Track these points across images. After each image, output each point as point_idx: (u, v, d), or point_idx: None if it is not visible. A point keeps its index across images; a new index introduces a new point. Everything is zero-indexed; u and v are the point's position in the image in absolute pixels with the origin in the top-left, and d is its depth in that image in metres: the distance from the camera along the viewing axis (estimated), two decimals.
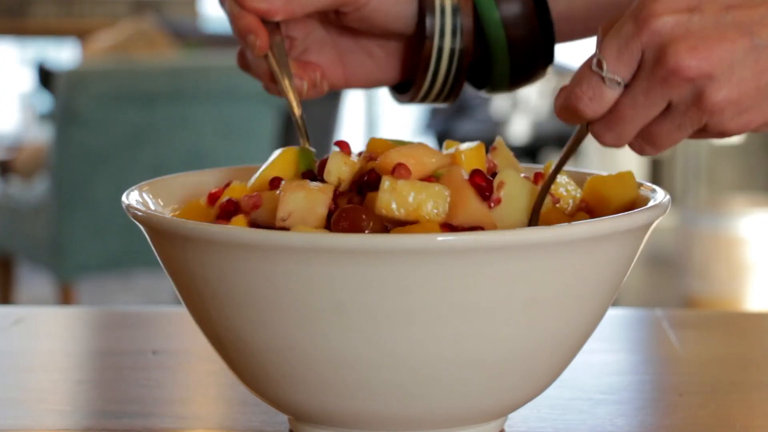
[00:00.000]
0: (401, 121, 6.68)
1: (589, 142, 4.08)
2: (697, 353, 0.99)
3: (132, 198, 0.77)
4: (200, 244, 0.68)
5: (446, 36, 0.88)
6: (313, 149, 0.83)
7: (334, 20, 0.89)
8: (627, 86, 0.69)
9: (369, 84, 0.93)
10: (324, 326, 0.67)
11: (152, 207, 0.78)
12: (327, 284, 0.66)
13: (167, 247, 0.72)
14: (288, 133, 3.88)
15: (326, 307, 0.67)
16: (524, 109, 5.00)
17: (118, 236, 3.24)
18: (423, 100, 0.91)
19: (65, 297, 3.36)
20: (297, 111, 0.86)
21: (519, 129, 5.00)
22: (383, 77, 0.93)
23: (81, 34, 5.47)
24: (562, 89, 0.72)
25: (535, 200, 0.75)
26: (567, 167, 0.78)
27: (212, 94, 3.28)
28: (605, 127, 0.71)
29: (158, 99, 3.22)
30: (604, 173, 0.83)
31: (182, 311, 0.78)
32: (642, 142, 0.71)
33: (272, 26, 0.86)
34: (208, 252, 0.68)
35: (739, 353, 0.99)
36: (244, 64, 0.89)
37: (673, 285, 4.06)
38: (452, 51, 0.88)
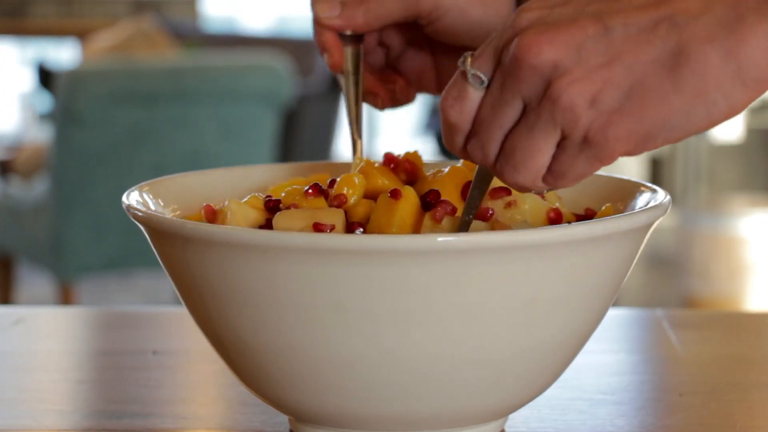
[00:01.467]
0: (401, 121, 6.68)
1: None
2: (697, 353, 0.99)
3: (132, 198, 0.77)
4: (200, 244, 0.69)
5: None
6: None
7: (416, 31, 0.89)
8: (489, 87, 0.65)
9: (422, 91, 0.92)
10: (324, 326, 0.67)
11: (152, 207, 0.78)
12: (327, 284, 0.66)
13: (167, 247, 0.72)
14: (288, 133, 3.88)
15: (326, 307, 0.67)
16: None
17: (118, 236, 3.24)
18: None
19: (65, 297, 3.36)
20: (355, 143, 0.86)
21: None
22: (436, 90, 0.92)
23: (81, 34, 5.47)
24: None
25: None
26: None
27: (212, 94, 3.28)
28: (471, 136, 0.66)
29: (158, 99, 3.22)
30: (603, 173, 0.83)
31: (182, 311, 0.78)
32: (502, 161, 0.66)
33: (354, 38, 0.87)
34: (208, 252, 0.68)
35: (739, 353, 0.99)
36: (332, 64, 0.89)
37: (673, 285, 4.06)
38: None
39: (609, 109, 0.63)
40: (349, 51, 0.87)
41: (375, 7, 0.85)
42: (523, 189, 0.67)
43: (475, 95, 0.65)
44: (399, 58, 0.90)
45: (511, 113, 0.65)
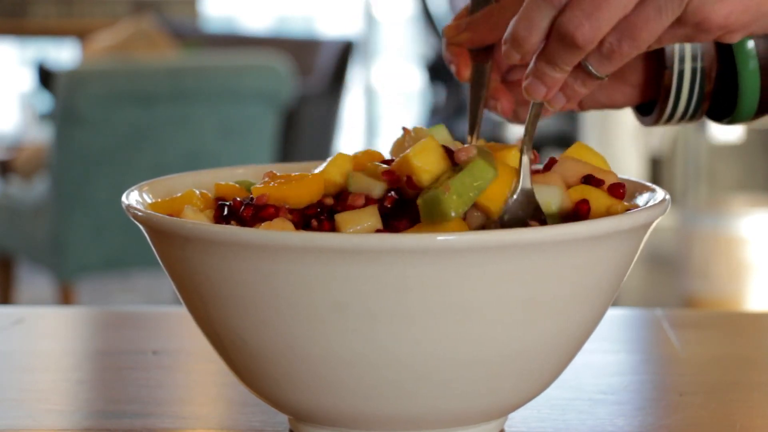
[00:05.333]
0: (401, 121, 6.68)
1: (589, 142, 4.07)
2: (697, 353, 0.99)
3: (132, 198, 0.77)
4: (200, 244, 0.69)
5: (686, 60, 0.86)
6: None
7: None
8: None
9: (604, 105, 0.92)
10: (324, 326, 0.67)
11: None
12: (327, 284, 0.66)
13: (167, 247, 0.72)
14: (288, 133, 3.88)
15: (326, 307, 0.67)
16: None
17: (118, 236, 3.24)
18: (667, 122, 0.90)
19: (65, 297, 3.36)
20: (470, 137, 0.86)
21: (519, 129, 5.01)
22: (627, 99, 0.91)
23: (81, 34, 5.47)
24: None
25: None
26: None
27: (212, 94, 3.28)
28: (583, 15, 0.67)
29: (158, 99, 3.22)
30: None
31: (182, 311, 0.78)
32: (618, 38, 0.68)
33: (481, 52, 0.87)
34: (208, 252, 0.68)
35: (739, 353, 0.99)
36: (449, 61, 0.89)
37: (673, 285, 4.06)
38: (693, 72, 0.87)
39: None
40: (474, 66, 0.88)
41: (502, 21, 0.84)
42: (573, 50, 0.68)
43: None
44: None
45: None
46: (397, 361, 0.68)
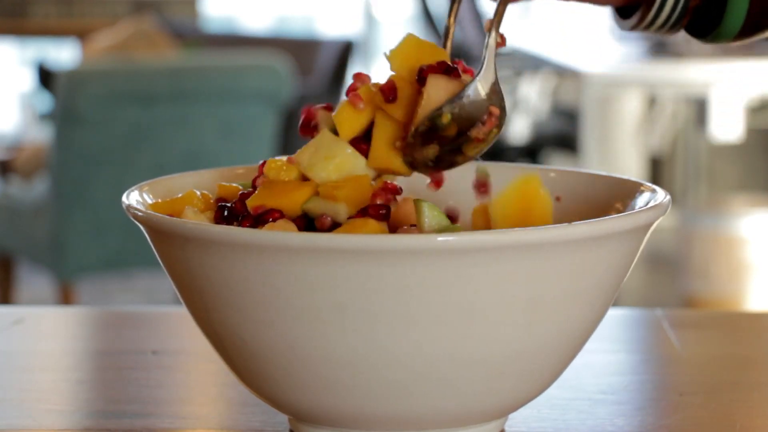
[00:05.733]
0: None
1: (589, 141, 4.07)
2: (697, 353, 0.99)
3: (132, 198, 0.77)
4: (200, 244, 0.69)
5: None
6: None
7: None
8: None
9: (596, 1, 0.89)
10: (324, 326, 0.67)
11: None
12: (327, 284, 0.66)
13: (167, 247, 0.72)
14: (288, 133, 3.88)
15: (326, 307, 0.67)
16: (524, 109, 5.00)
17: (118, 236, 3.24)
18: (646, 28, 0.88)
19: (65, 297, 3.36)
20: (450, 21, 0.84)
21: (519, 129, 5.01)
22: None
23: (81, 34, 5.47)
24: None
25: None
26: (566, 167, 0.77)
27: (212, 94, 3.28)
28: None
29: (158, 99, 3.22)
30: (603, 173, 0.83)
31: (182, 311, 0.78)
32: None
33: None
34: (208, 252, 0.68)
35: (739, 353, 0.99)
36: None
37: (673, 285, 4.06)
38: None
39: None
40: None
41: None
42: None
43: None
44: None
45: None
46: (397, 361, 0.68)
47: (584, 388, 0.87)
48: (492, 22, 0.72)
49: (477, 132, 0.72)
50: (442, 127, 0.72)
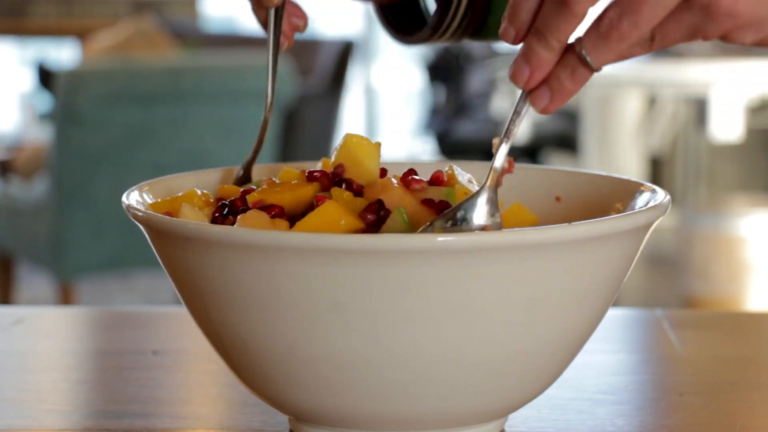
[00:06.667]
0: (401, 121, 6.68)
1: (589, 141, 4.07)
2: (697, 353, 0.99)
3: (132, 198, 0.77)
4: (200, 244, 0.69)
5: None
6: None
7: None
8: None
9: None
10: (324, 326, 0.67)
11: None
12: (327, 284, 0.66)
13: (167, 247, 0.72)
14: (288, 133, 3.88)
15: (326, 307, 0.67)
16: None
17: (118, 236, 3.24)
18: (440, 37, 0.88)
19: (65, 297, 3.36)
20: (270, 76, 0.85)
21: (519, 129, 5.01)
22: None
23: (81, 34, 5.47)
24: None
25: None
26: (566, 167, 0.77)
27: (212, 94, 3.28)
28: (628, 10, 0.65)
29: (158, 99, 3.22)
30: (603, 173, 0.83)
31: (182, 311, 0.78)
32: (618, 12, 0.65)
33: None
34: (208, 252, 0.68)
35: (739, 353, 0.99)
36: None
37: (673, 285, 4.06)
38: None
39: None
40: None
41: None
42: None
43: None
44: None
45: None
46: (398, 361, 0.68)
47: (584, 388, 0.87)
48: (499, 142, 0.71)
49: None
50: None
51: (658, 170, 4.94)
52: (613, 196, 0.81)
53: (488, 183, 0.70)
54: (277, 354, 0.70)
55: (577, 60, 0.67)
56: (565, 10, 0.65)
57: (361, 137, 0.77)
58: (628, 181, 0.81)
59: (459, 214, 0.70)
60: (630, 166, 4.06)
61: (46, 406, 0.86)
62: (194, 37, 4.69)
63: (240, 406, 0.84)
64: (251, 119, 3.36)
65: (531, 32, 0.67)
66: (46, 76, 4.00)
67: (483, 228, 0.69)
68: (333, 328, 0.67)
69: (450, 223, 0.70)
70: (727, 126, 3.67)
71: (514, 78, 0.68)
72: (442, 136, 5.35)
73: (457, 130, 5.29)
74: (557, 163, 4.98)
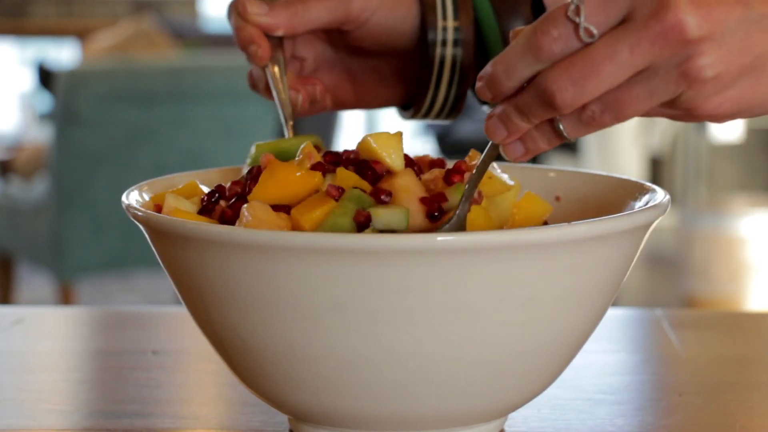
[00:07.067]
0: (401, 121, 6.66)
1: (589, 141, 4.06)
2: (697, 353, 0.99)
3: (132, 198, 0.77)
4: (200, 244, 0.69)
5: (448, 47, 0.87)
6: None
7: (339, 39, 0.90)
8: (603, 40, 0.64)
9: (378, 104, 0.93)
10: (324, 326, 0.67)
11: (152, 207, 0.78)
12: (327, 284, 0.66)
13: (167, 247, 0.72)
14: None
15: (326, 307, 0.67)
16: None
17: (118, 236, 3.24)
18: (426, 115, 0.91)
19: (65, 297, 3.36)
20: (287, 125, 0.87)
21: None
22: (392, 97, 0.93)
23: (81, 34, 5.47)
24: (524, 29, 0.67)
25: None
26: (565, 167, 0.78)
27: (212, 94, 3.28)
28: (570, 80, 0.65)
29: (158, 99, 3.22)
30: (603, 173, 0.83)
31: (182, 311, 0.78)
32: (601, 108, 0.66)
33: (275, 42, 0.87)
34: (208, 252, 0.68)
35: (739, 353, 0.99)
36: (252, 83, 0.90)
37: (673, 285, 4.06)
38: (454, 60, 0.88)
39: (725, 85, 0.66)
40: (279, 55, 0.88)
41: (302, 11, 0.86)
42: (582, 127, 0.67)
43: (576, 44, 0.65)
44: (314, 72, 0.91)
45: (631, 73, 0.65)
46: (398, 361, 0.68)
47: (584, 388, 0.87)
48: (469, 179, 0.73)
49: None
50: None
51: (658, 170, 4.94)
52: (613, 196, 0.81)
53: (455, 216, 0.72)
54: (277, 354, 0.70)
55: (553, 131, 0.69)
56: (550, 105, 0.66)
57: (378, 134, 0.77)
58: (628, 181, 0.81)
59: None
60: (630, 166, 4.06)
61: (46, 406, 0.86)
62: (194, 37, 4.70)
63: (240, 406, 0.84)
64: (251, 119, 3.36)
65: (511, 104, 0.68)
66: (46, 76, 4.00)
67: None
68: (333, 328, 0.67)
69: None
70: (727, 126, 3.67)
71: (489, 134, 0.70)
72: (442, 136, 5.35)
73: (457, 130, 5.29)
74: (557, 163, 4.98)
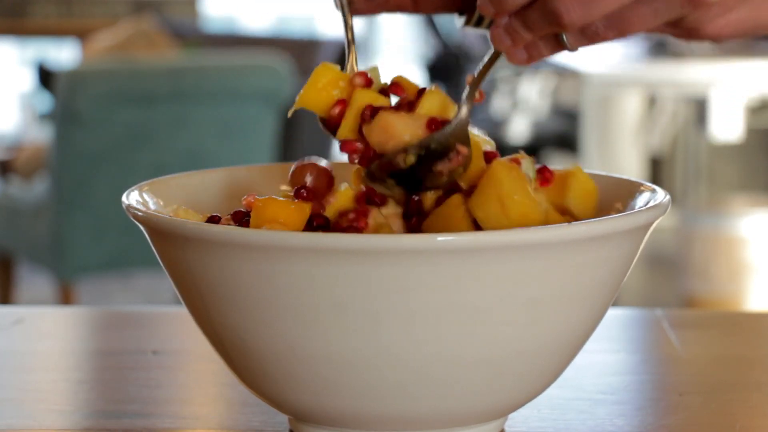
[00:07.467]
0: None
1: (589, 141, 4.06)
2: (697, 353, 0.99)
3: (132, 198, 0.77)
4: (200, 244, 0.69)
5: None
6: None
7: None
8: None
9: (435, 8, 0.91)
10: (324, 326, 0.67)
11: (152, 207, 0.78)
12: (327, 284, 0.66)
13: (167, 247, 0.72)
14: (288, 133, 3.88)
15: (326, 307, 0.67)
16: (524, 109, 5.00)
17: (118, 236, 3.24)
18: (478, 24, 0.90)
19: (65, 297, 3.36)
20: (350, 49, 0.85)
21: (519, 129, 5.01)
22: (448, 3, 0.91)
23: (81, 34, 5.47)
24: None
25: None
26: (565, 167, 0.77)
27: (212, 94, 3.28)
28: (577, 1, 0.67)
29: (158, 99, 3.22)
30: (603, 173, 0.83)
31: (182, 311, 0.78)
32: (606, 25, 0.68)
33: None
34: (208, 252, 0.68)
35: (739, 353, 0.99)
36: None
37: (673, 285, 4.06)
38: None
39: (729, 7, 0.67)
40: None
41: None
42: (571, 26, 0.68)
43: None
44: None
45: None
46: (398, 361, 0.68)
47: (584, 388, 0.87)
48: (471, 81, 0.74)
49: (442, 166, 0.73)
50: (405, 164, 0.73)
51: (658, 170, 4.94)
52: (613, 196, 0.81)
53: (462, 110, 0.73)
54: (277, 354, 0.70)
55: (557, 41, 0.71)
56: (557, 23, 0.68)
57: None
58: (628, 181, 0.81)
59: (435, 139, 0.73)
60: (630, 166, 4.06)
61: (46, 406, 0.86)
62: (194, 37, 4.69)
63: (240, 406, 0.84)
64: (251, 119, 3.36)
65: (518, 17, 0.70)
66: (46, 76, 4.00)
67: (456, 145, 0.72)
68: (333, 328, 0.67)
69: (424, 149, 0.72)
70: (727, 126, 3.67)
71: (494, 43, 0.71)
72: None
73: None
74: (557, 163, 4.97)
